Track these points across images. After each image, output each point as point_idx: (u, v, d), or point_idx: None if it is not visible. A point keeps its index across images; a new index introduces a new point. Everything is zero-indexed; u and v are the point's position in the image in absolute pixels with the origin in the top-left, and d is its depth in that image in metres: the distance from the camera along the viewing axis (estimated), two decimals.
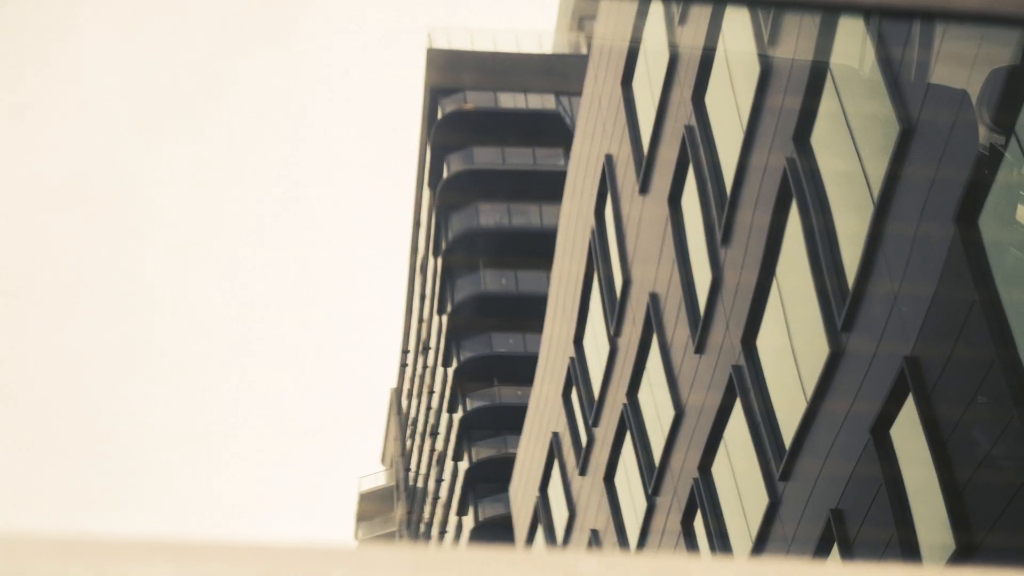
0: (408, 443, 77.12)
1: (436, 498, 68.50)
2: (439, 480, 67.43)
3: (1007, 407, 9.93)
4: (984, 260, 10.39)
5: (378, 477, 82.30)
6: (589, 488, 23.90)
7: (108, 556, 1.79)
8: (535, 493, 28.26)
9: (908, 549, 11.32)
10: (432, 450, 68.93)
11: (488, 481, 59.36)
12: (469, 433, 61.16)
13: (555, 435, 26.62)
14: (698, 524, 17.46)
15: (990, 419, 10.33)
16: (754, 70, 15.05)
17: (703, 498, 17.05)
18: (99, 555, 1.74)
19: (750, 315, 15.11)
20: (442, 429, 66.21)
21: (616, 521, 22.08)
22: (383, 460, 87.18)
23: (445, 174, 62.49)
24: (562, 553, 1.91)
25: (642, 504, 20.37)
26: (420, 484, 73.01)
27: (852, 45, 12.92)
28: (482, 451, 60.73)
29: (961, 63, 10.94)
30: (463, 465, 61.78)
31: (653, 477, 19.63)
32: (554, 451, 26.69)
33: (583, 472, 24.26)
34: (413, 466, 75.19)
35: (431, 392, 68.31)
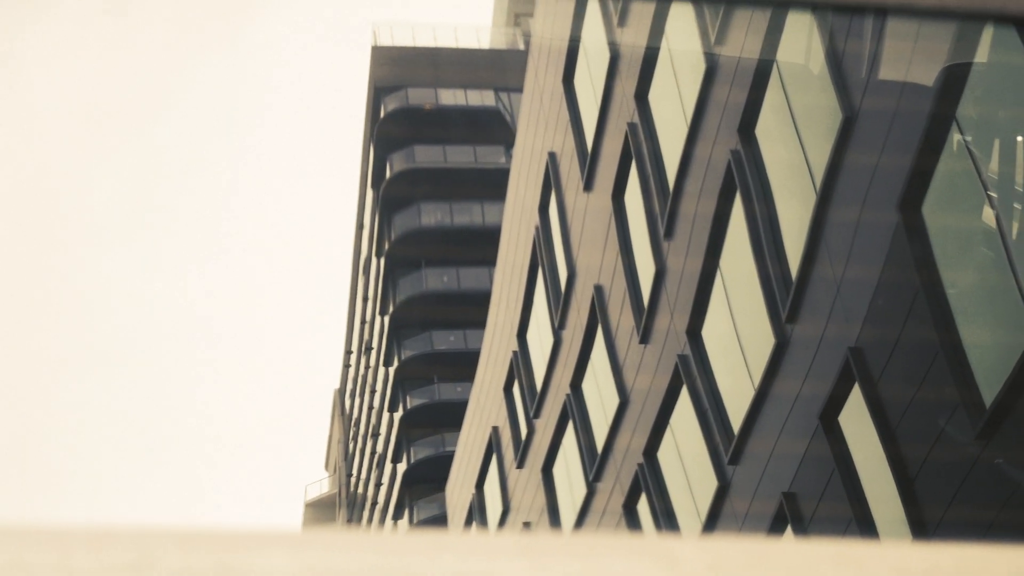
0: (351, 446, 76.77)
1: (375, 503, 68.19)
2: (378, 484, 67.17)
3: (950, 391, 10.10)
4: (927, 247, 10.55)
5: (323, 484, 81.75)
6: (526, 480, 24.01)
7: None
8: (471, 491, 28.32)
9: (864, 528, 11.48)
10: (373, 452, 68.64)
11: (425, 482, 59.24)
12: (408, 433, 61.02)
13: (495, 429, 26.70)
14: (643, 507, 17.60)
15: (936, 403, 10.50)
16: (699, 67, 15.18)
17: (648, 482, 17.20)
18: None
19: (695, 305, 15.25)
20: (383, 430, 66.01)
21: (551, 509, 22.21)
22: (327, 465, 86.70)
23: (388, 173, 62.39)
24: (660, 538, 1.97)
25: (581, 491, 20.50)
26: (360, 490, 72.65)
27: (799, 41, 13.09)
28: (420, 451, 60.62)
29: (906, 56, 11.11)
30: (401, 467, 61.59)
31: (595, 464, 19.76)
32: (493, 446, 26.77)
33: (521, 465, 24.36)
34: (355, 471, 74.80)
35: (372, 392, 68.15)
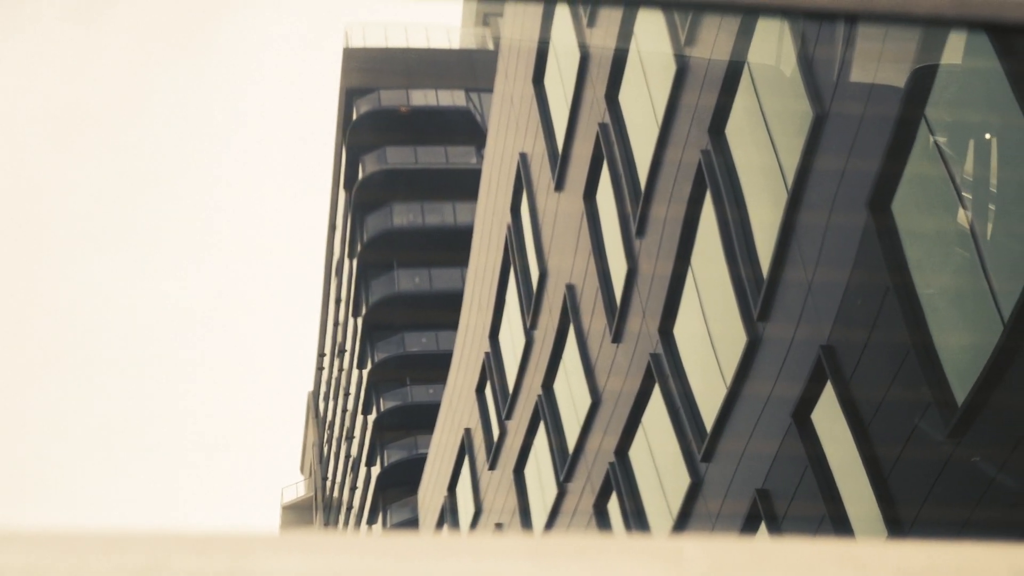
0: (326, 449, 76.47)
1: (350, 508, 67.96)
2: (353, 488, 66.94)
3: (922, 389, 10.14)
4: (898, 245, 10.59)
5: (299, 487, 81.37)
6: (498, 482, 24.01)
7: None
8: (444, 493, 28.29)
9: (838, 526, 11.51)
10: (348, 455, 68.40)
11: (398, 485, 59.11)
12: (382, 436, 60.90)
13: (467, 431, 26.68)
14: (613, 506, 17.63)
15: (908, 401, 10.55)
16: (670, 69, 15.21)
17: (619, 481, 17.22)
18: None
19: (667, 304, 15.28)
20: (357, 432, 65.82)
21: (523, 511, 22.22)
22: (302, 468, 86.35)
23: (360, 175, 62.31)
24: (667, 538, 1.97)
25: (552, 491, 20.51)
26: (336, 494, 72.36)
27: (770, 42, 13.12)
28: (393, 454, 60.50)
29: (875, 58, 11.15)
30: (375, 470, 61.41)
31: (566, 464, 19.78)
32: (465, 448, 26.75)
33: (493, 466, 24.35)
34: (330, 474, 74.49)
35: (346, 394, 67.99)
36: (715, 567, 1.83)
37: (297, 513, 78.89)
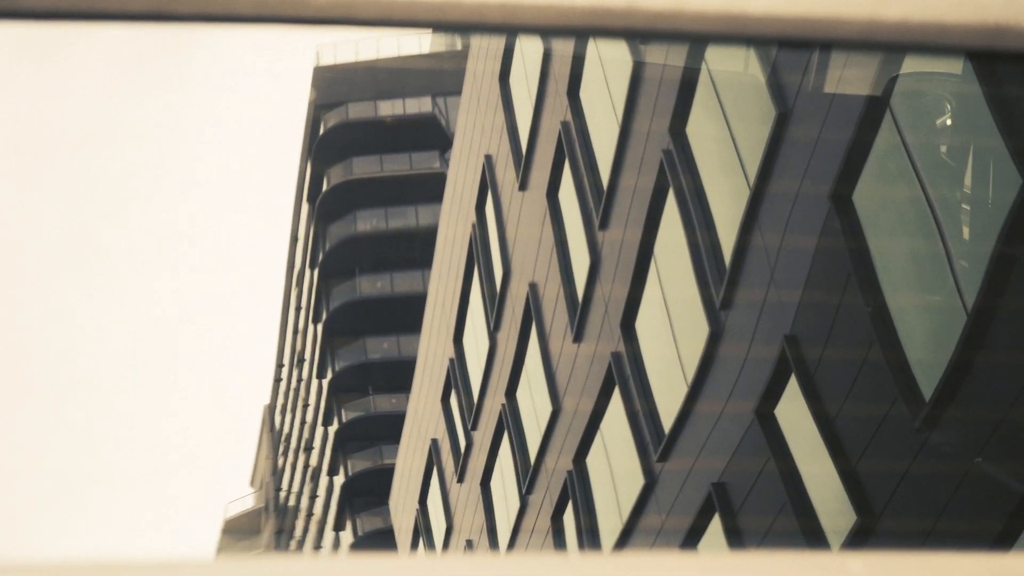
0: (280, 461, 76.13)
1: (310, 515, 67.68)
2: (313, 496, 66.70)
3: (889, 388, 10.05)
4: (860, 237, 10.53)
5: (245, 501, 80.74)
6: (467, 496, 23.84)
7: None
8: (415, 506, 28.12)
9: (807, 533, 11.42)
10: (306, 466, 68.14)
11: (365, 494, 58.92)
12: (344, 446, 60.71)
13: (434, 442, 26.53)
14: (568, 516, 17.54)
15: (873, 393, 10.46)
16: (628, 65, 15.16)
17: (575, 489, 17.11)
18: None
19: (628, 300, 15.18)
20: (316, 443, 65.59)
21: (490, 528, 22.06)
22: (252, 482, 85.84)
23: (325, 186, 62.45)
24: (827, 554, 1.85)
25: (515, 505, 20.39)
26: (292, 502, 72.09)
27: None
28: (358, 463, 60.31)
29: (841, 58, 11.11)
30: (339, 479, 61.22)
31: (528, 475, 19.64)
32: (433, 459, 26.59)
33: (461, 479, 24.18)
34: (285, 484, 74.16)
35: (305, 405, 67.80)
36: None
37: (239, 526, 78.06)
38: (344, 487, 60.65)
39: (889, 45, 2.03)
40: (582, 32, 1.98)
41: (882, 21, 2.01)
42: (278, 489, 76.38)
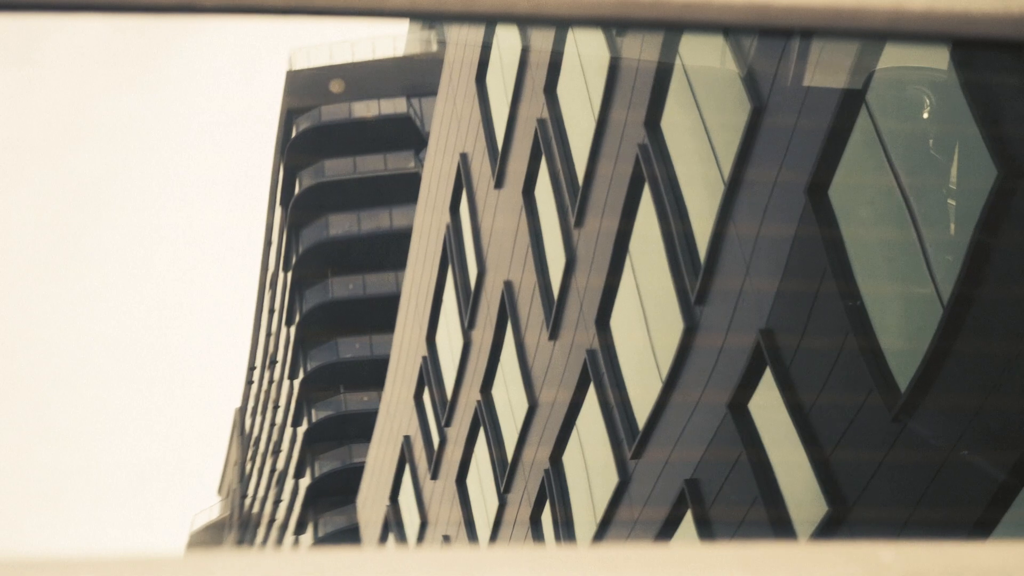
0: (248, 466, 75.62)
1: (272, 520, 67.28)
2: (277, 501, 66.29)
3: (864, 380, 10.06)
4: (836, 229, 10.54)
5: (213, 511, 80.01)
6: (441, 492, 23.77)
7: None
8: (385, 502, 28.02)
9: (776, 522, 11.42)
10: (272, 470, 67.73)
11: (330, 495, 58.61)
12: (313, 447, 60.45)
13: (407, 439, 26.44)
14: (547, 516, 17.51)
15: (849, 384, 10.48)
16: (605, 60, 15.17)
17: (552, 488, 17.08)
18: None
19: (603, 297, 15.18)
20: (285, 446, 65.26)
21: (467, 523, 21.99)
22: (220, 490, 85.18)
23: (297, 189, 62.27)
24: (862, 544, 1.86)
25: (494, 503, 20.33)
26: (256, 509, 71.57)
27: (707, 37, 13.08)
28: (325, 464, 60.03)
29: (815, 53, 11.12)
30: (304, 481, 60.90)
31: (505, 474, 19.59)
32: (405, 456, 26.50)
33: (435, 476, 24.11)
34: (251, 491, 73.62)
35: (276, 407, 67.52)
36: (912, 573, 1.76)
37: (204, 537, 77.37)
38: (309, 488, 60.34)
39: (914, 35, 2.03)
40: (609, 23, 1.97)
41: (907, 11, 2.00)
42: (243, 496, 75.81)
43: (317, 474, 59.97)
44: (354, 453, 57.47)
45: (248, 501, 74.02)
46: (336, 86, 60.99)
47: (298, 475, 62.26)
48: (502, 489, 19.76)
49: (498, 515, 20.19)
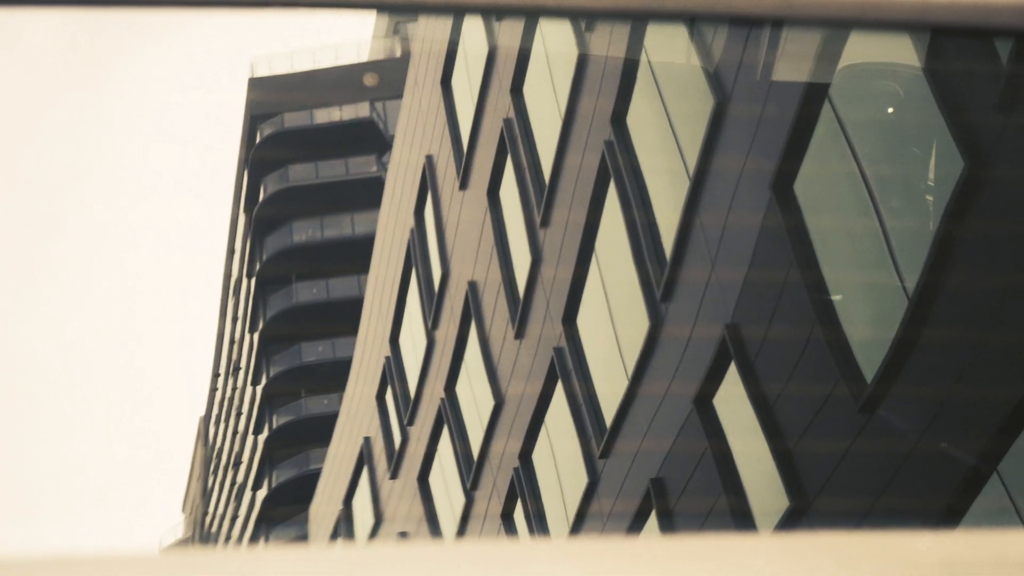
0: (210, 480, 74.97)
1: (227, 539, 66.61)
2: (234, 518, 65.63)
3: (830, 374, 10.07)
4: (801, 223, 10.55)
5: (178, 529, 79.05)
6: (400, 490, 23.68)
7: None
8: (339, 506, 27.89)
9: (737, 514, 11.42)
10: (232, 483, 67.11)
11: (286, 505, 58.12)
12: (272, 455, 60.06)
13: (366, 440, 26.33)
14: (519, 514, 17.44)
15: (814, 378, 10.48)
16: (572, 57, 15.17)
17: (523, 486, 17.03)
18: None
19: (570, 295, 15.16)
20: (245, 456, 64.78)
21: (430, 519, 21.90)
22: (184, 506, 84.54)
23: (261, 196, 62.01)
24: (897, 533, 1.83)
25: (460, 500, 20.24)
26: (215, 528, 70.80)
27: (670, 29, 13.08)
28: (283, 473, 59.60)
29: (777, 46, 11.13)
30: (261, 494, 60.41)
31: (471, 471, 19.51)
32: (364, 458, 26.39)
33: (394, 475, 24.00)
34: (211, 509, 72.90)
35: (239, 414, 67.12)
36: (948, 562, 1.75)
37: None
38: (265, 500, 59.89)
39: (940, 26, 2.01)
40: (638, 16, 1.95)
41: (933, 2, 1.98)
42: (204, 513, 75.14)
43: (274, 484, 59.52)
44: (312, 459, 57.12)
45: (209, 519, 73.30)
46: (370, 79, 60.59)
47: (256, 487, 61.77)
48: (469, 486, 19.69)
49: (465, 511, 20.12)
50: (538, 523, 16.68)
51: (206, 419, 79.81)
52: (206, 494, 75.89)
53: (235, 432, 68.00)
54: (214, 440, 76.00)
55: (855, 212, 10.18)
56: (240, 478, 65.83)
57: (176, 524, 79.74)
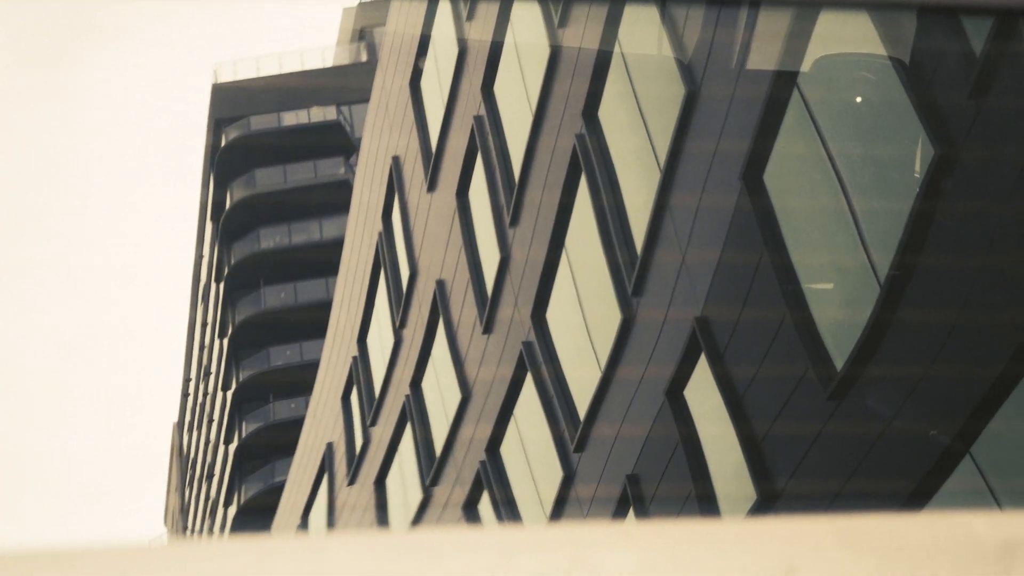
0: (187, 492, 74.74)
1: None
2: (211, 534, 65.46)
3: (800, 362, 10.05)
4: (771, 215, 10.54)
5: (162, 542, 78.47)
6: (356, 497, 23.60)
7: None
8: (297, 521, 27.81)
9: (706, 504, 11.38)
10: (207, 497, 66.98)
11: (255, 521, 57.98)
12: (242, 467, 59.85)
13: (329, 446, 26.27)
14: (484, 506, 17.37)
15: (784, 372, 10.45)
16: (544, 54, 15.14)
17: (491, 479, 16.95)
18: None
19: (539, 290, 15.11)
20: (217, 468, 64.57)
21: (381, 523, 21.84)
22: (165, 518, 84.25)
23: (228, 203, 61.86)
24: (956, 514, 1.82)
25: (417, 497, 20.17)
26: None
27: (640, 21, 13.08)
28: (251, 486, 59.42)
29: (747, 37, 11.12)
30: (232, 510, 60.28)
31: (432, 467, 19.44)
32: (325, 465, 26.33)
33: (352, 481, 23.92)
34: (190, 523, 72.72)
35: (211, 421, 66.98)
36: (1010, 543, 1.74)
37: None
38: (235, 519, 59.70)
39: (914, 4, 1.99)
40: None
41: None
42: (185, 529, 74.97)
43: (243, 500, 59.34)
44: (277, 471, 56.87)
45: (188, 534, 73.05)
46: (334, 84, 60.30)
47: (227, 503, 61.58)
48: (428, 483, 19.59)
49: (420, 509, 20.03)
50: (506, 513, 16.61)
51: (179, 425, 79.41)
52: (184, 508, 75.43)
53: (207, 442, 67.74)
54: (188, 450, 75.60)
55: (826, 200, 10.17)
56: (213, 492, 65.52)
57: (160, 535, 79.38)
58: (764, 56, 10.76)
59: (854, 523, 1.76)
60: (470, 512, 17.82)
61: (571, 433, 14.32)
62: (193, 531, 72.56)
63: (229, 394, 61.38)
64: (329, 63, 63.88)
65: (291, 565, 1.68)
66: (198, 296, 71.93)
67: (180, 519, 76.54)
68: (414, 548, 1.68)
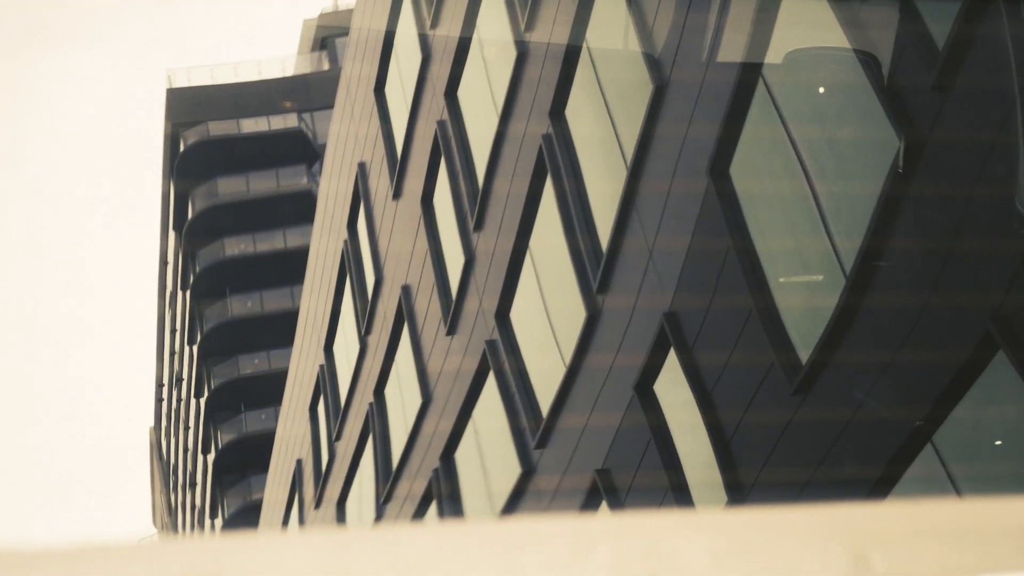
0: (172, 498, 74.44)
1: None
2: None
3: (766, 352, 10.04)
4: (737, 209, 10.54)
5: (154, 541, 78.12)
6: (321, 520, 23.52)
7: None
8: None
9: (680, 496, 11.35)
10: (192, 505, 66.76)
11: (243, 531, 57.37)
12: (222, 479, 59.65)
13: (298, 463, 26.19)
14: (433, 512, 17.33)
15: (752, 365, 10.44)
16: (510, 56, 15.13)
17: (441, 486, 16.91)
18: None
19: (504, 290, 15.07)
20: (199, 477, 64.36)
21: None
22: (154, 521, 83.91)
23: (190, 212, 61.53)
24: (1013, 499, 1.81)
25: (371, 516, 20.13)
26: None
27: (608, 18, 13.07)
28: (232, 501, 59.22)
29: (714, 27, 11.13)
30: (218, 522, 60.07)
31: (388, 480, 19.39)
32: (296, 484, 26.23)
33: (319, 504, 23.84)
34: (179, 527, 72.41)
35: (187, 427, 66.80)
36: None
37: None
38: (222, 531, 59.49)
39: None
40: None
41: None
42: (175, 528, 74.74)
43: (226, 515, 59.15)
44: (253, 487, 56.64)
45: (179, 534, 72.77)
46: (288, 104, 60.08)
47: (212, 515, 61.38)
48: (381, 500, 19.52)
49: (375, 520, 19.97)
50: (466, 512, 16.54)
51: (156, 429, 78.98)
52: (172, 512, 75.14)
53: (185, 448, 67.39)
54: (167, 455, 75.17)
55: (791, 195, 10.17)
56: (198, 501, 65.22)
57: (152, 535, 79.05)
58: (731, 42, 10.76)
59: (921, 509, 1.76)
60: (421, 515, 17.77)
61: (533, 429, 14.27)
62: (183, 529, 72.43)
63: (202, 402, 61.19)
64: (290, 72, 63.65)
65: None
66: (165, 302, 71.74)
67: (170, 522, 76.33)
68: (492, 540, 1.70)
